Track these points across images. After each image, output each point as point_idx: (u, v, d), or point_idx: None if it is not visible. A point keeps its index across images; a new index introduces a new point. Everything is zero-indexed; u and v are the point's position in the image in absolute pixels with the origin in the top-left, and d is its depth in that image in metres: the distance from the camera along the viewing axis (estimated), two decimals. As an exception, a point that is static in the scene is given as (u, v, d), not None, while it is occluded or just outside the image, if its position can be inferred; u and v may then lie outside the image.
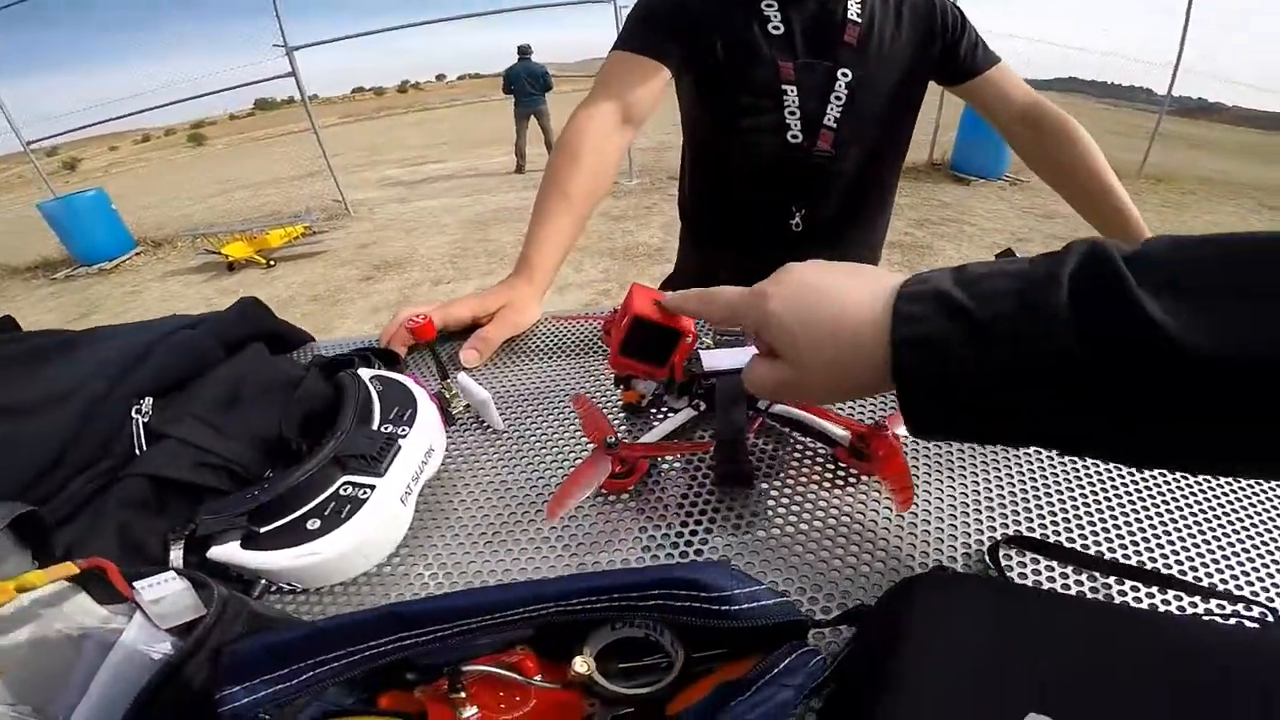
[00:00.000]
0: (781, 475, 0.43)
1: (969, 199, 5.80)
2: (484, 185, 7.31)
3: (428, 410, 0.47)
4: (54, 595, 0.30)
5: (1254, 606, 0.32)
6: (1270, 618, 0.32)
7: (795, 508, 0.41)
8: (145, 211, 7.34)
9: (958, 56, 0.95)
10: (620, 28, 0.91)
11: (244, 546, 0.38)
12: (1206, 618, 0.33)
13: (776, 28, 0.88)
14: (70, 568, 0.27)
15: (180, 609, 0.28)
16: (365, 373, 0.50)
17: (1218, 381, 0.21)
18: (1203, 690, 0.22)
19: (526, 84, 7.31)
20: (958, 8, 0.96)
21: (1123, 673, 0.23)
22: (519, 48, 7.40)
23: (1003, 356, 0.25)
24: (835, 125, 0.92)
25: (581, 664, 0.24)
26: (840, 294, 0.31)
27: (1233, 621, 0.32)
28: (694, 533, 0.39)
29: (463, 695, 0.24)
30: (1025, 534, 0.38)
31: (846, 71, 0.89)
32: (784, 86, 0.89)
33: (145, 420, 0.44)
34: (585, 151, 0.80)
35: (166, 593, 0.27)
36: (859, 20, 0.89)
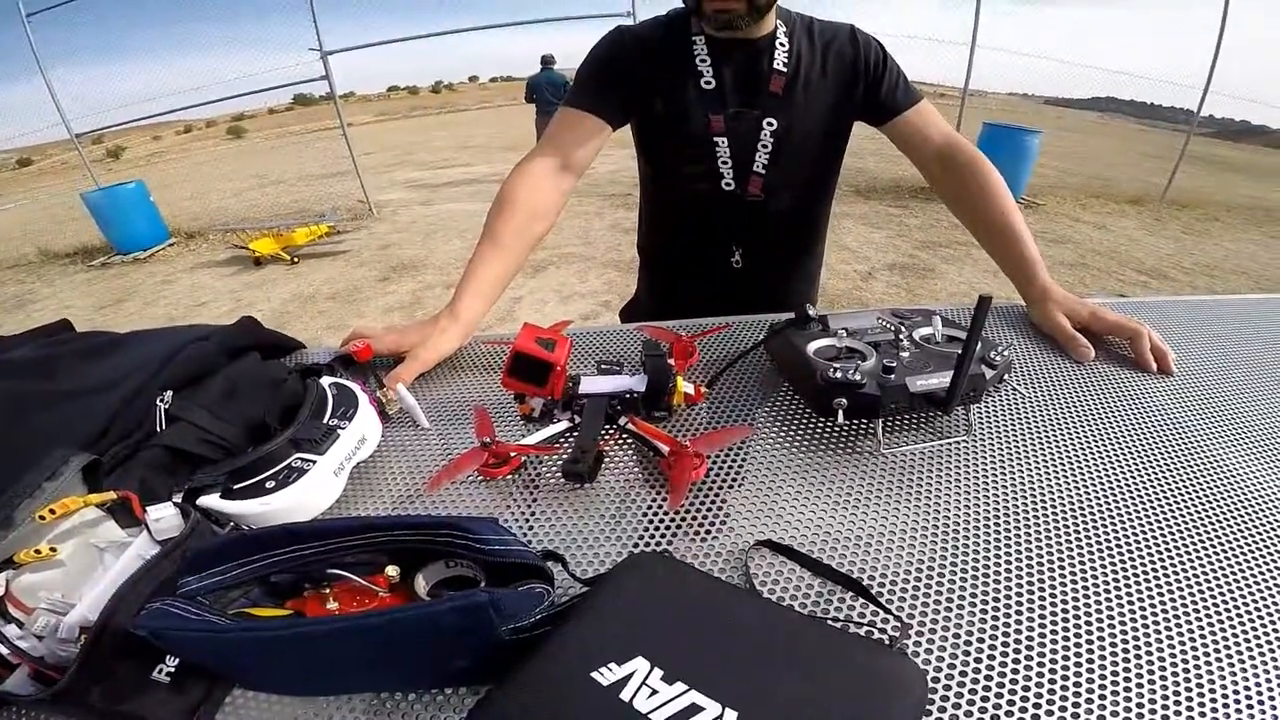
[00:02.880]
0: (617, 474, 0.59)
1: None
2: (493, 192, 7.55)
3: (365, 410, 0.63)
4: (95, 518, 0.47)
5: (889, 625, 0.42)
6: (889, 638, 0.41)
7: (616, 500, 0.56)
8: (182, 203, 7.65)
9: (879, 96, 0.99)
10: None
11: (222, 497, 0.54)
12: (844, 623, 0.43)
13: (708, 82, 0.97)
14: (110, 495, 0.44)
15: (170, 527, 0.45)
16: (326, 380, 0.67)
17: None
18: (772, 661, 0.35)
19: (548, 93, 7.46)
20: (881, 47, 1.02)
21: (723, 640, 0.36)
22: (542, 57, 7.56)
23: None
24: (764, 171, 1.00)
25: (392, 570, 0.40)
26: None
27: (864, 631, 0.42)
28: (539, 510, 0.55)
29: (328, 593, 0.41)
30: (774, 540, 0.51)
31: (772, 121, 0.97)
32: (715, 138, 0.98)
33: (166, 407, 0.60)
34: (518, 200, 0.92)
35: (163, 514, 0.44)
36: (784, 69, 0.97)
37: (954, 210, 1.01)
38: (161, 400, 0.62)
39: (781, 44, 0.97)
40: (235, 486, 0.55)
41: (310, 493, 0.55)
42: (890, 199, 6.59)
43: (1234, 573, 0.48)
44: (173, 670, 0.41)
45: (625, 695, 0.33)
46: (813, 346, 0.66)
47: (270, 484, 0.55)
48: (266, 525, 0.54)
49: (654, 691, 0.33)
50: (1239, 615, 0.44)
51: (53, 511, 0.42)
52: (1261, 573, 0.48)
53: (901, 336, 0.66)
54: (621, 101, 1.00)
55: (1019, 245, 0.91)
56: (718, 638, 0.37)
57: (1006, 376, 0.68)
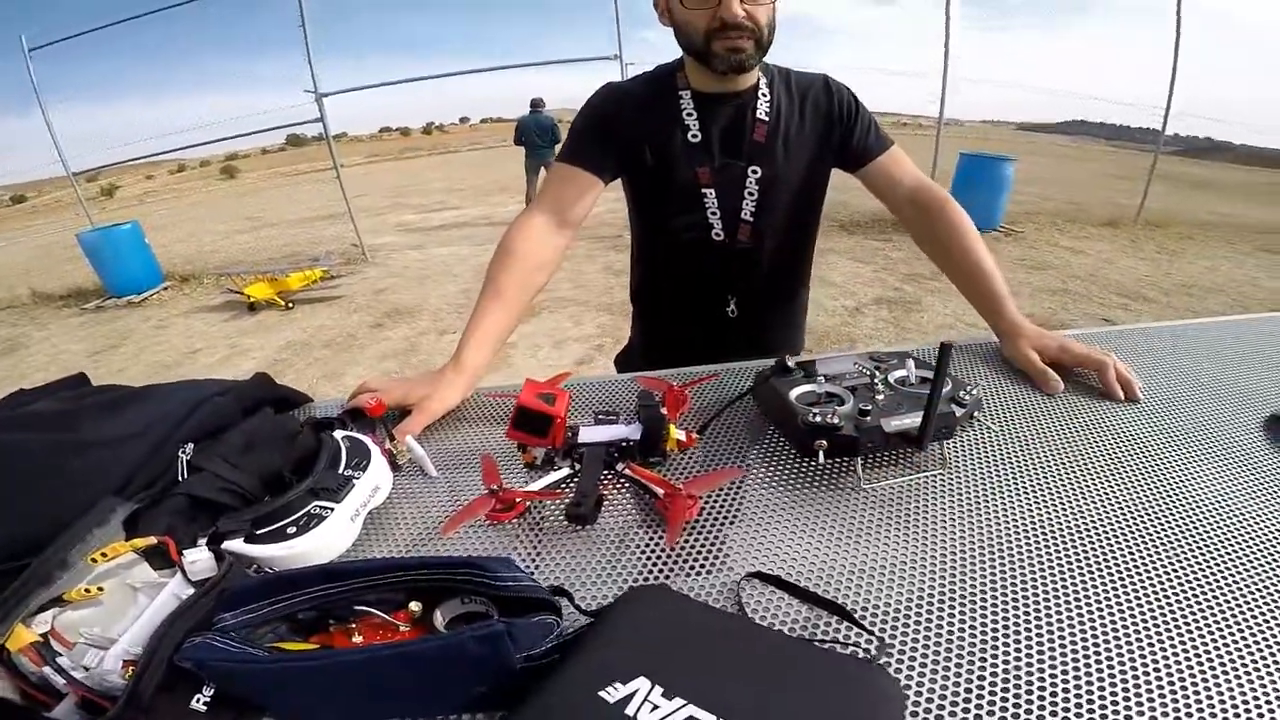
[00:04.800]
0: (616, 516, 0.63)
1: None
2: (495, 235, 7.59)
3: (378, 461, 0.68)
4: (129, 560, 0.51)
5: (872, 645, 0.46)
6: (869, 656, 0.45)
7: (616, 540, 0.60)
8: (175, 245, 7.73)
9: (852, 143, 1.05)
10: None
11: (246, 542, 0.58)
12: (829, 643, 0.47)
13: (695, 135, 1.02)
14: (151, 540, 0.48)
15: (206, 567, 0.48)
16: (339, 433, 0.71)
17: None
18: (763, 677, 0.39)
19: (535, 136, 7.62)
20: (853, 95, 1.08)
21: (718, 660, 0.40)
22: (531, 100, 7.73)
23: None
24: (751, 219, 1.06)
25: (415, 605, 0.44)
26: None
27: (848, 651, 0.46)
28: (545, 551, 0.59)
29: (353, 628, 0.44)
30: (764, 571, 0.55)
31: (757, 169, 1.03)
32: (703, 190, 1.04)
33: (188, 458, 0.64)
34: (518, 253, 0.97)
35: (199, 557, 0.48)
36: (766, 119, 1.02)
37: (926, 250, 1.06)
38: (183, 451, 0.65)
39: (763, 95, 1.03)
40: (258, 532, 0.58)
41: (328, 538, 0.59)
42: (874, 232, 6.75)
43: (1205, 588, 0.52)
44: (209, 700, 0.44)
45: (630, 710, 0.37)
46: (795, 393, 0.71)
47: (291, 529, 0.59)
48: (288, 568, 0.58)
49: (655, 707, 0.37)
50: (1212, 628, 0.48)
51: (105, 555, 0.45)
52: (1233, 585, 0.52)
53: (877, 380, 0.71)
54: (613, 157, 1.05)
55: (987, 282, 0.96)
56: (713, 658, 0.41)
57: (977, 413, 0.73)
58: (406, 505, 0.68)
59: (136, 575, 0.51)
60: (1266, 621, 0.48)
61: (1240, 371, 0.87)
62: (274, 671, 0.41)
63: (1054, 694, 0.44)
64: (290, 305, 5.27)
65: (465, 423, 0.84)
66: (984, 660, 0.46)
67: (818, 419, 0.64)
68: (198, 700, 0.43)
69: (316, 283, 5.66)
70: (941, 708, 0.43)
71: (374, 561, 0.46)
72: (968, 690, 0.44)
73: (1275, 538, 0.57)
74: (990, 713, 0.42)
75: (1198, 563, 0.54)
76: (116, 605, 0.49)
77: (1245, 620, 0.49)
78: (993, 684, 0.44)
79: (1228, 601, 0.51)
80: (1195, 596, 0.51)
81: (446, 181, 15.73)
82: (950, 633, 0.48)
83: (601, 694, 0.38)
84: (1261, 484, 0.64)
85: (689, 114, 1.02)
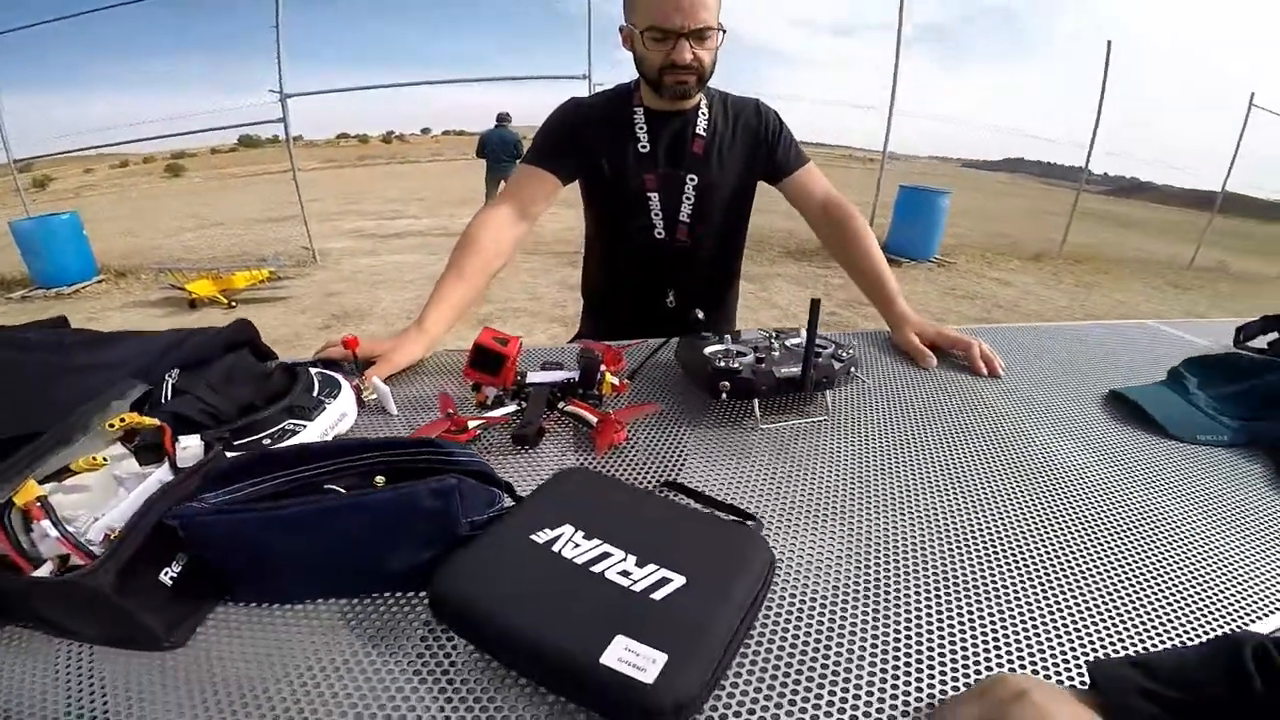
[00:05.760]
0: (556, 444, 0.75)
1: (899, 280, 6.32)
2: (452, 244, 7.67)
3: (347, 392, 0.78)
4: (119, 454, 0.58)
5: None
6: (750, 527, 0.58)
7: (554, 461, 0.71)
8: (114, 239, 7.43)
9: (775, 158, 1.21)
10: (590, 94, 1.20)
11: (225, 451, 0.66)
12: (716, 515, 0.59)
13: (644, 146, 1.17)
14: (155, 421, 0.56)
15: (194, 454, 0.57)
16: (313, 369, 0.81)
17: None
18: (663, 528, 0.51)
19: (499, 150, 7.64)
20: (778, 117, 1.24)
21: (629, 515, 0.52)
22: (498, 115, 7.72)
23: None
24: (688, 220, 1.21)
25: (379, 479, 0.54)
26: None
27: (732, 519, 0.59)
28: (495, 467, 0.70)
29: None
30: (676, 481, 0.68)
31: (694, 176, 1.19)
32: (649, 194, 1.19)
33: (173, 382, 0.73)
34: (481, 240, 1.10)
35: (191, 443, 0.57)
36: (704, 134, 1.18)
37: (832, 254, 1.25)
38: (169, 376, 0.74)
39: (703, 114, 1.19)
40: (236, 442, 0.67)
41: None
42: (819, 260, 7.05)
43: (1045, 528, 0.62)
44: (175, 575, 0.50)
45: (556, 548, 0.48)
46: (708, 349, 0.85)
47: (266, 441, 0.68)
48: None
49: (577, 545, 0.48)
50: (1040, 558, 0.58)
51: (123, 420, 0.54)
52: (1070, 528, 0.63)
53: (774, 343, 0.85)
54: (572, 162, 1.19)
55: (882, 280, 1.15)
56: (625, 514, 0.53)
57: (855, 370, 0.87)
58: (368, 433, 0.77)
59: (123, 468, 0.59)
60: (1092, 553, 0.59)
61: (1091, 364, 1.05)
62: (247, 521, 0.49)
63: (897, 579, 0.56)
64: (234, 304, 5.17)
65: (425, 375, 0.95)
66: (844, 552, 0.59)
67: (722, 364, 0.77)
68: (165, 574, 0.50)
69: (263, 283, 5.56)
70: (805, 573, 0.56)
71: (346, 441, 0.56)
72: (829, 568, 0.57)
73: (1098, 484, 0.71)
74: (850, 579, 0.56)
75: (1040, 507, 0.66)
76: (101, 491, 0.56)
77: (1073, 552, 0.59)
78: (851, 563, 0.58)
79: (1055, 535, 0.61)
80: (1038, 533, 0.62)
81: (404, 190, 15.60)
82: (821, 533, 0.61)
83: (532, 537, 0.49)
84: (1095, 448, 0.78)
85: (640, 127, 1.17)
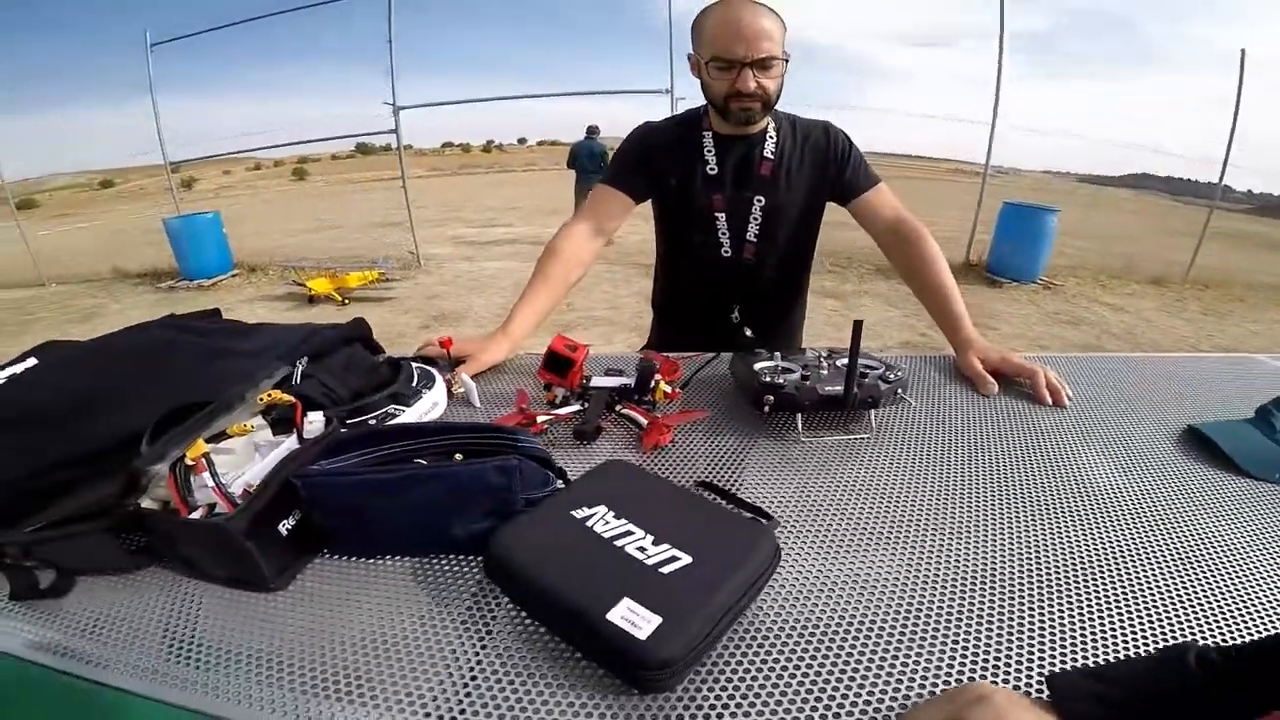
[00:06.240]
0: (611, 441, 0.84)
1: (996, 301, 5.92)
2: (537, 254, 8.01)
3: (439, 386, 0.90)
4: (259, 425, 0.73)
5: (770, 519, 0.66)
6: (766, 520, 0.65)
7: (607, 456, 0.81)
8: (246, 238, 8.22)
9: (844, 179, 1.25)
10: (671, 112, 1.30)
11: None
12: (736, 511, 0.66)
13: (713, 169, 1.24)
14: (290, 398, 0.70)
15: (318, 428, 0.70)
16: (414, 364, 0.95)
17: None
18: (686, 516, 0.60)
19: (586, 161, 7.82)
20: (848, 139, 1.27)
21: (658, 503, 0.60)
22: (588, 127, 7.96)
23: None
24: (755, 240, 1.27)
25: (458, 456, 0.65)
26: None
27: (749, 517, 0.65)
28: (556, 457, 0.80)
29: None
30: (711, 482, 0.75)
31: (761, 198, 1.24)
32: (716, 214, 1.25)
33: (302, 368, 0.88)
34: (563, 251, 1.21)
35: (316, 418, 0.70)
36: (772, 157, 1.23)
37: (901, 274, 1.26)
38: (299, 363, 0.89)
39: (771, 137, 1.24)
40: (349, 421, 0.81)
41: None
42: (908, 279, 6.81)
43: (1086, 547, 0.64)
44: (290, 528, 0.62)
45: (589, 523, 0.57)
46: (758, 365, 0.91)
47: (372, 421, 0.81)
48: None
49: (608, 523, 0.57)
50: (1090, 576, 0.60)
51: (270, 395, 0.68)
52: (1108, 546, 0.65)
53: (824, 362, 0.91)
54: (644, 182, 1.28)
55: (949, 303, 1.15)
56: (653, 502, 0.62)
57: (904, 392, 0.90)
58: (452, 419, 0.90)
59: (260, 436, 0.73)
60: (1138, 586, 0.59)
61: (1171, 397, 1.01)
62: (352, 483, 0.61)
63: (918, 602, 0.62)
64: (346, 301, 5.65)
65: (507, 373, 1.07)
66: (853, 559, 0.63)
67: (768, 379, 0.84)
68: (283, 525, 0.62)
69: (373, 283, 6.03)
70: (811, 572, 0.62)
71: (434, 424, 0.67)
72: (834, 571, 0.63)
73: (1158, 519, 0.70)
74: (854, 586, 0.61)
75: (1086, 528, 0.67)
76: (243, 454, 0.70)
77: (1113, 584, 0.59)
78: (856, 571, 0.63)
79: (1105, 553, 0.63)
80: (1079, 551, 0.63)
81: (501, 200, 16.34)
82: (835, 539, 0.65)
83: (573, 512, 0.58)
84: (1156, 483, 0.77)
85: (709, 151, 1.24)
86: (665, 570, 0.51)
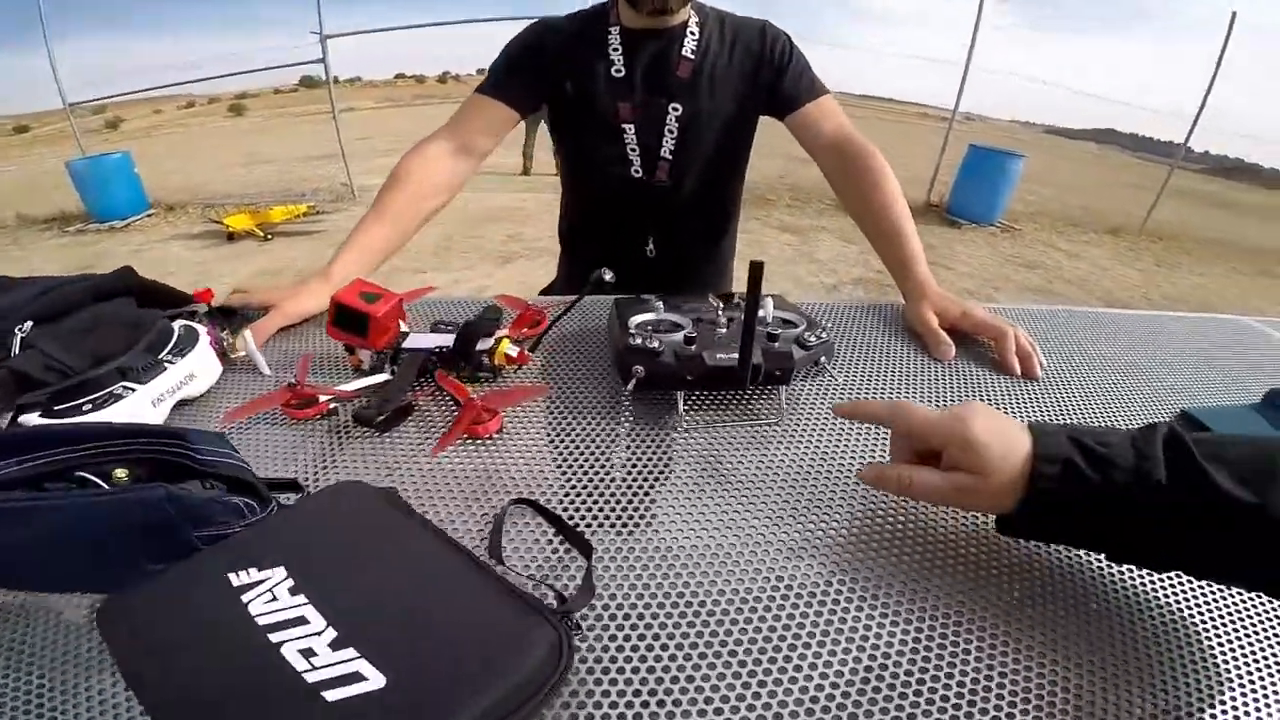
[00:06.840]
0: (419, 426, 0.62)
1: (955, 242, 5.87)
2: (488, 184, 7.52)
3: (201, 351, 0.67)
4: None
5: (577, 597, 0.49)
6: (558, 601, 0.42)
7: (408, 450, 0.59)
8: (169, 176, 7.64)
9: (781, 87, 1.02)
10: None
11: (41, 416, 0.57)
12: (535, 581, 0.49)
13: (619, 70, 1.00)
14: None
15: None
16: (180, 321, 0.70)
17: (1239, 515, 0.35)
18: (412, 594, 0.37)
19: None
20: (789, 41, 1.03)
21: (372, 566, 0.38)
22: None
23: (1120, 480, 0.38)
24: (670, 157, 1.04)
25: (120, 472, 0.43)
26: (1012, 428, 0.43)
27: (541, 590, 0.42)
28: (336, 455, 0.58)
29: None
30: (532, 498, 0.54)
31: (677, 106, 1.01)
32: (623, 125, 1.02)
33: (23, 336, 0.63)
34: (411, 177, 0.96)
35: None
36: (692, 57, 0.99)
37: (844, 203, 1.03)
38: (20, 329, 0.64)
39: (692, 33, 1.00)
40: (55, 407, 0.58)
41: (123, 419, 0.58)
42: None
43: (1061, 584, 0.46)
44: None
45: (246, 597, 0.35)
46: (635, 319, 0.69)
47: (87, 407, 0.58)
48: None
49: (274, 599, 0.35)
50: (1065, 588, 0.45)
51: None
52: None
53: (722, 316, 0.69)
54: (532, 89, 1.03)
55: (900, 239, 0.92)
56: (369, 563, 0.39)
57: (825, 361, 0.69)
58: (229, 399, 0.67)
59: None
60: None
61: (1165, 366, 0.82)
62: None
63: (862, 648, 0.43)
64: (269, 236, 5.27)
65: (312, 327, 0.83)
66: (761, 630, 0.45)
67: (637, 342, 0.62)
68: None
69: (300, 217, 5.62)
70: (649, 625, 0.42)
71: (90, 426, 0.45)
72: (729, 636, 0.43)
73: None
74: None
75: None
76: None
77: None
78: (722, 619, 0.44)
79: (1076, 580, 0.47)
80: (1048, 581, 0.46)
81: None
82: (732, 589, 0.46)
83: (230, 575, 0.36)
84: None
85: (615, 49, 1.00)
86: (331, 697, 0.30)
